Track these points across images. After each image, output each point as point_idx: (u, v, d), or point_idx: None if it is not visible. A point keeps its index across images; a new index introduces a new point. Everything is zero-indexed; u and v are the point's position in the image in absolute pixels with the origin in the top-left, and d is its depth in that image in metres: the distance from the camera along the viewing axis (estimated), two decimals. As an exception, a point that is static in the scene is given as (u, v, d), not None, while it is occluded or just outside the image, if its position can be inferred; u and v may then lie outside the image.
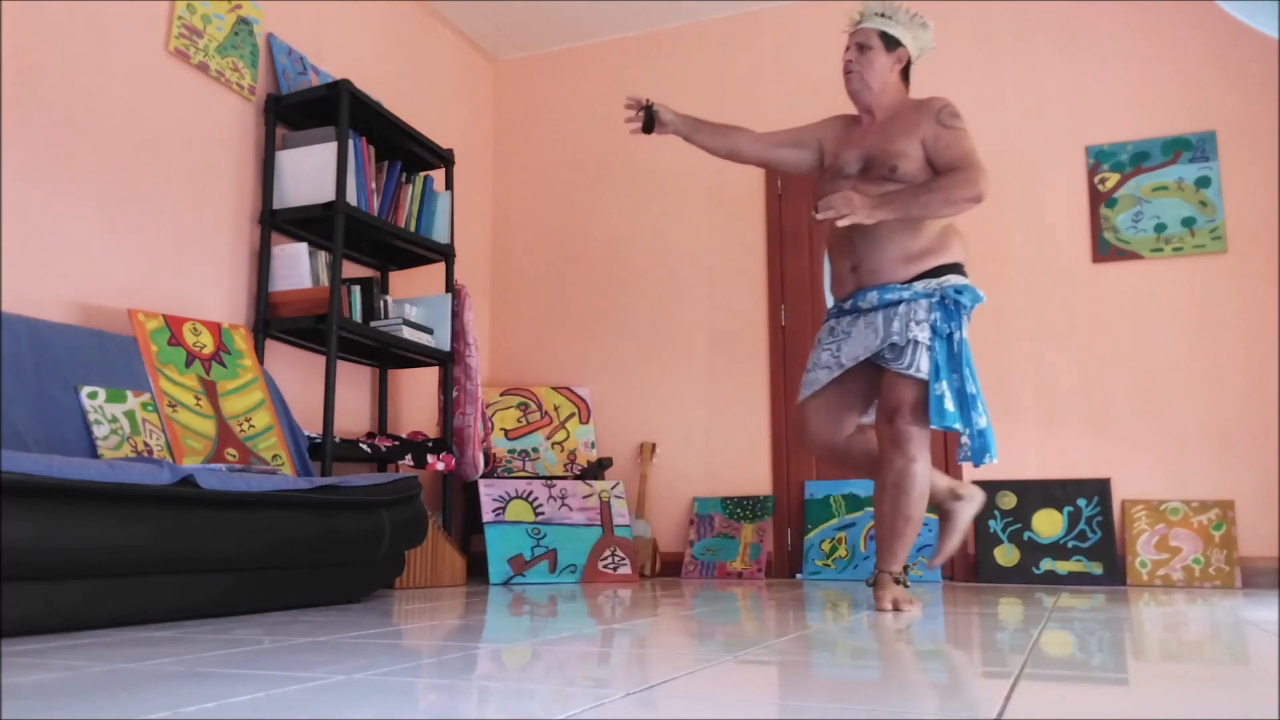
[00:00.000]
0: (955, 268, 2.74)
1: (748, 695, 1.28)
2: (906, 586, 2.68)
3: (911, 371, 2.61)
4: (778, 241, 4.59)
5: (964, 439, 2.63)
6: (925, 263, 2.71)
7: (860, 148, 2.83)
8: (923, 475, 2.65)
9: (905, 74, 2.90)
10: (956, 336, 2.65)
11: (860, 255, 2.76)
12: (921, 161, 2.73)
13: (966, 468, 4.12)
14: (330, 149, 3.50)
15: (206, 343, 3.12)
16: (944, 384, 2.60)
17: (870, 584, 2.73)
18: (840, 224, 2.57)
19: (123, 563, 2.06)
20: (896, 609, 2.58)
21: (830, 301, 2.95)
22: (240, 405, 3.10)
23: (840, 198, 2.58)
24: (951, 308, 2.66)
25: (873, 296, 2.71)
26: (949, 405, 2.58)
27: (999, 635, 2.02)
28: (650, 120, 2.98)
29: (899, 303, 2.68)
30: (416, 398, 4.42)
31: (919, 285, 2.68)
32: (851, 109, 3.05)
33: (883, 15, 2.85)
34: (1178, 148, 4.05)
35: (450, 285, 4.09)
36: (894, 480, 2.64)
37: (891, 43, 2.84)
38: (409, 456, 3.73)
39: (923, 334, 2.62)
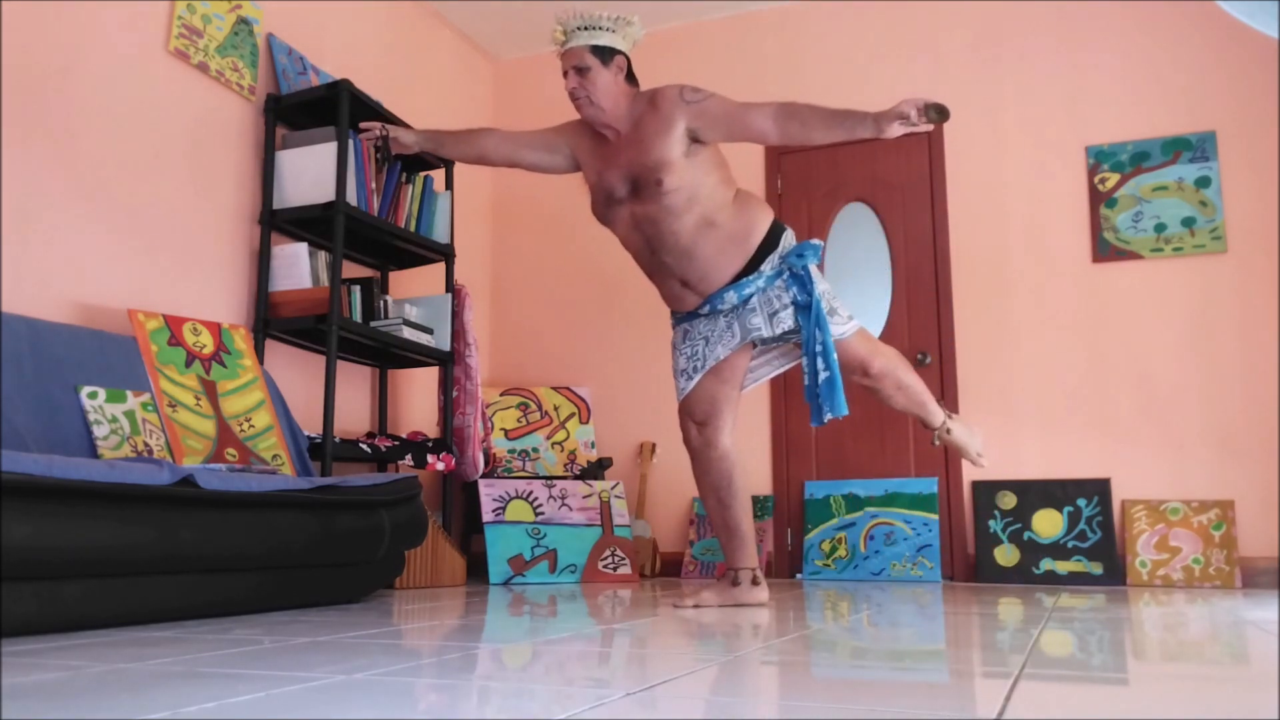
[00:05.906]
0: (778, 229, 2.74)
1: (748, 695, 1.29)
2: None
3: (826, 340, 2.66)
4: (778, 241, 4.58)
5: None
6: (749, 243, 2.69)
7: (619, 168, 2.73)
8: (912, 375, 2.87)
9: (630, 75, 2.76)
10: (818, 291, 2.66)
11: (681, 271, 2.73)
12: (683, 162, 2.65)
13: (970, 475, 4.12)
14: (330, 149, 3.50)
15: (206, 343, 3.12)
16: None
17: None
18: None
19: (123, 563, 2.06)
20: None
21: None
22: (240, 405, 3.10)
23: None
24: (802, 273, 2.67)
25: (730, 296, 2.70)
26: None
27: (999, 635, 2.03)
28: (386, 149, 2.91)
29: (754, 295, 2.70)
30: (416, 398, 4.42)
31: (766, 268, 2.69)
32: None
33: (585, 28, 2.69)
34: (1178, 148, 4.05)
35: (450, 285, 4.09)
36: (916, 400, 2.85)
37: (606, 54, 2.69)
38: (409, 456, 3.73)
39: (790, 319, 2.67)
